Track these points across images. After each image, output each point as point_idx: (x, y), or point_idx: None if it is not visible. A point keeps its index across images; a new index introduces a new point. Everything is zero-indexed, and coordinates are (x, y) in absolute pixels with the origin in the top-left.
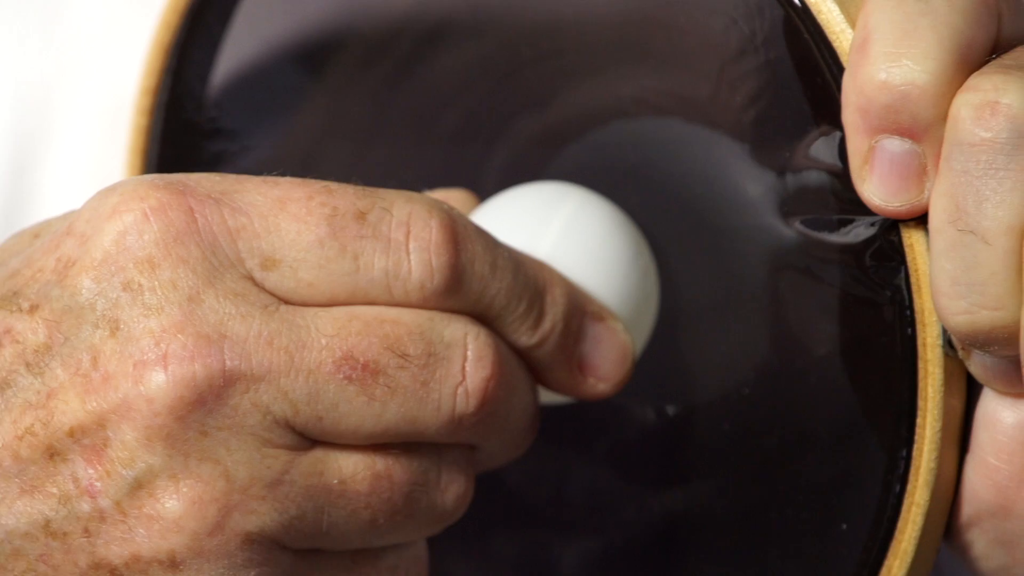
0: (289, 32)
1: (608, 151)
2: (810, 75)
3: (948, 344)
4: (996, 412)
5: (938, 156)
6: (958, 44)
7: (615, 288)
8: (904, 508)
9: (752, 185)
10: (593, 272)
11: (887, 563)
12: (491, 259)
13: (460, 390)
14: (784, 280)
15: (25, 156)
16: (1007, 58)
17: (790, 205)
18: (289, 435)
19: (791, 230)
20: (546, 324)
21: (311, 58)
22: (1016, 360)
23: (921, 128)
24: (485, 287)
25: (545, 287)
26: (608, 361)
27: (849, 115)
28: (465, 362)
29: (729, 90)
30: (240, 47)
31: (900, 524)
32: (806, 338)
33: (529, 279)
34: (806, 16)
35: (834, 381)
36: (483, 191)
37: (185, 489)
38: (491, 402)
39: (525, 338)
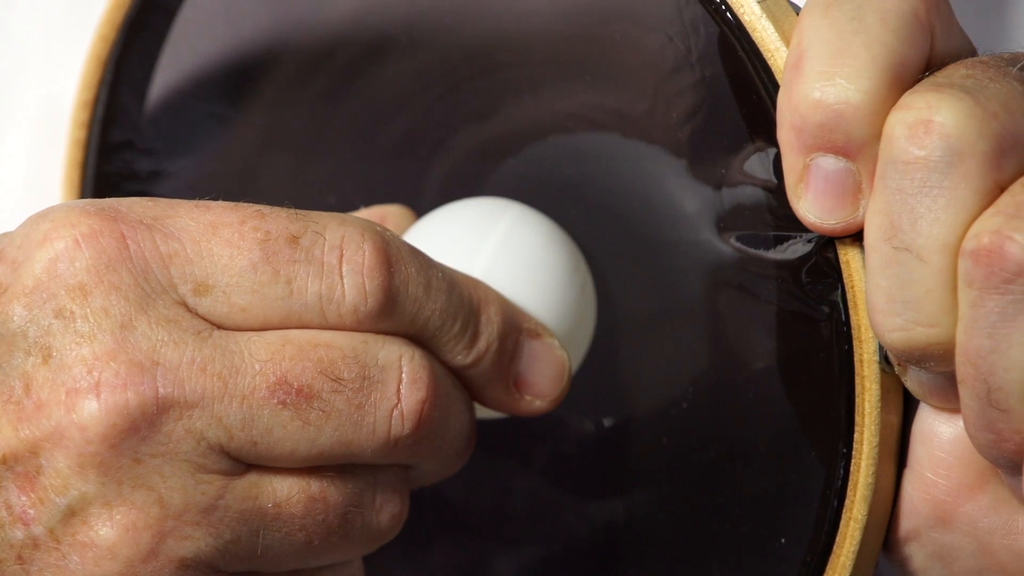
0: (226, 47)
1: (546, 165)
2: (746, 92)
3: (885, 360)
4: (933, 427)
5: (873, 174)
6: (891, 62)
7: (552, 304)
8: (842, 523)
9: (689, 200)
10: (530, 288)
11: None
12: (425, 280)
13: (395, 413)
14: (722, 295)
15: None
16: (940, 75)
17: (727, 221)
18: (223, 460)
19: (728, 245)
20: (481, 343)
21: (248, 73)
22: (952, 376)
23: (855, 146)
24: (419, 308)
25: (480, 306)
26: (544, 378)
27: (784, 133)
28: (400, 384)
29: (665, 106)
30: (178, 61)
31: (839, 539)
32: (744, 353)
33: (464, 299)
34: (741, 34)
35: (772, 396)
36: (422, 205)
37: (119, 516)
38: (426, 424)
39: (460, 358)
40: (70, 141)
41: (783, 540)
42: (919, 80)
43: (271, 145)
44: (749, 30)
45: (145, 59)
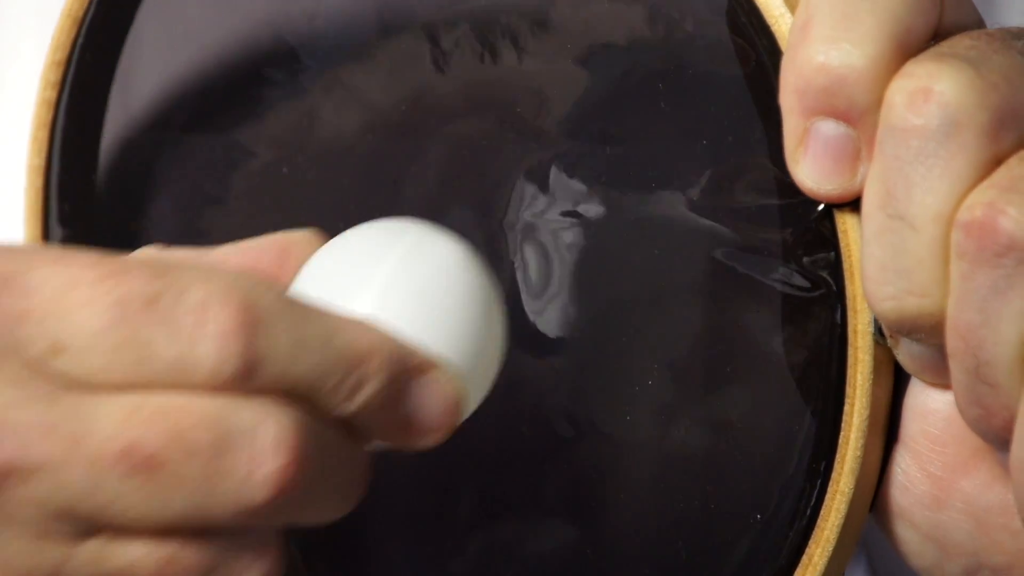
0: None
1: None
2: (744, 61)
3: (878, 332)
4: (926, 403)
5: (873, 141)
6: (897, 30)
7: (449, 329)
8: (828, 495)
9: (676, 171)
10: (426, 315)
11: (808, 550)
12: (296, 338)
13: (252, 480)
14: (712, 265)
15: None
16: (944, 45)
17: (716, 192)
18: (69, 525)
19: (720, 213)
20: (364, 394)
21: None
22: (943, 350)
23: (857, 112)
24: (288, 368)
25: (364, 356)
26: (434, 414)
27: (786, 96)
28: (260, 451)
29: (648, 76)
30: (153, 25)
31: (823, 512)
32: (733, 323)
33: (345, 351)
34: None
35: (761, 366)
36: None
37: None
38: (290, 488)
39: (341, 409)
40: (39, 101)
41: (759, 515)
42: (925, 49)
43: (247, 119)
44: None
45: (120, 20)
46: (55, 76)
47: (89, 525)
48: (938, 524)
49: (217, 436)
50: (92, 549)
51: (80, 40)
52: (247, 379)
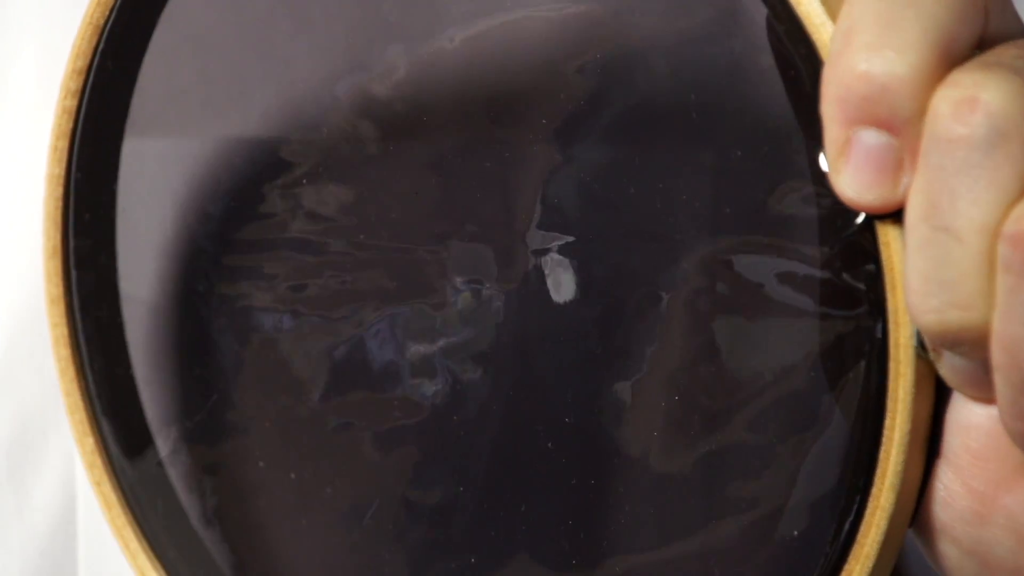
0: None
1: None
2: (783, 69)
3: (920, 345)
4: (969, 417)
5: (915, 151)
6: (942, 38)
7: None
8: (868, 511)
9: (714, 178)
10: None
11: (847, 567)
12: None
13: None
14: (752, 276)
15: None
16: (990, 55)
17: (757, 198)
18: None
19: (760, 224)
20: None
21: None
22: (986, 365)
23: (899, 121)
24: None
25: None
26: None
27: (828, 106)
28: None
29: (678, 83)
30: (173, 32)
31: (863, 528)
32: (771, 336)
33: None
34: (783, 8)
35: (800, 380)
36: None
37: None
38: None
39: None
40: (60, 110)
41: (795, 532)
42: (970, 58)
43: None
44: (794, 4)
45: (141, 30)
46: (76, 84)
47: None
48: (980, 540)
49: None
50: None
51: (101, 47)
52: None
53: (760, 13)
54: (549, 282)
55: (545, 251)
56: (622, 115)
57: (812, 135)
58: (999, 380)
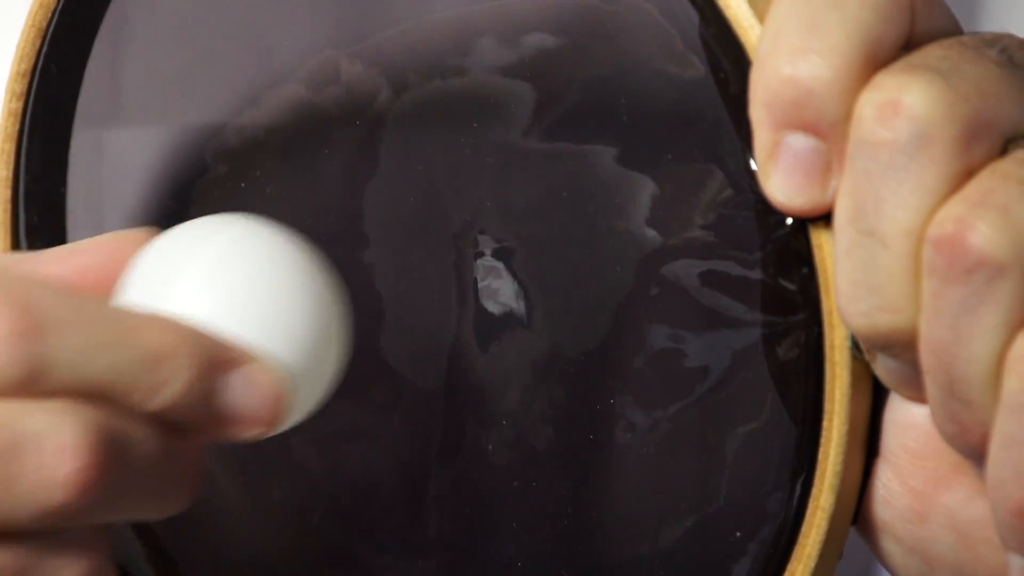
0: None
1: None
2: (714, 71)
3: (855, 347)
4: (905, 417)
5: (843, 154)
6: (867, 40)
7: (272, 324)
8: (808, 512)
9: (639, 187)
10: (243, 310)
11: (790, 567)
12: (86, 339)
13: (48, 482)
14: (686, 274)
15: None
16: (915, 56)
17: (692, 200)
18: None
19: (695, 226)
20: (169, 390)
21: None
22: (919, 365)
23: (826, 125)
24: (80, 370)
25: (166, 353)
26: (254, 406)
27: (755, 109)
28: (55, 452)
29: (603, 90)
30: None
31: (804, 528)
32: (708, 338)
33: (142, 349)
34: (712, 11)
35: (736, 382)
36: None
37: None
38: (92, 489)
39: (148, 406)
40: (6, 113)
41: (738, 533)
42: (896, 59)
43: (214, 128)
44: (722, 6)
45: (84, 30)
46: (20, 87)
47: None
48: (921, 538)
49: (7, 440)
50: None
51: (44, 50)
52: (33, 384)
53: (690, 17)
54: (482, 288)
55: (480, 255)
56: (553, 120)
57: (744, 137)
58: (928, 382)
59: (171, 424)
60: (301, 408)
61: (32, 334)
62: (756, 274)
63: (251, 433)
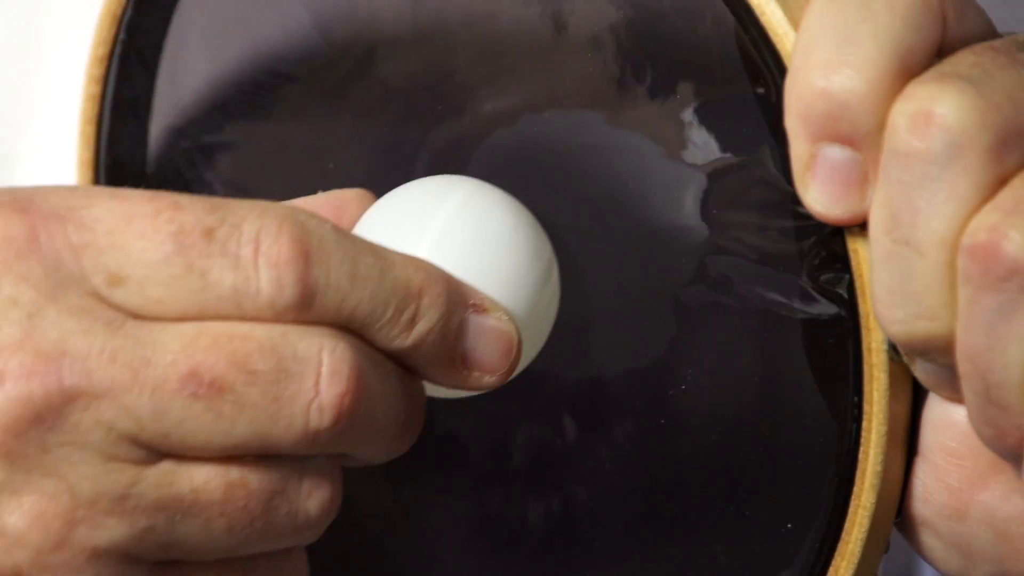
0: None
1: (527, 149)
2: (752, 77)
3: (893, 349)
4: (944, 416)
5: (879, 164)
6: (899, 50)
7: (504, 277)
8: (851, 510)
9: (685, 185)
10: (479, 263)
11: (834, 564)
12: (350, 269)
13: (313, 406)
14: (726, 279)
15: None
16: (947, 64)
17: (728, 206)
18: (135, 449)
19: (732, 228)
20: (421, 327)
21: (259, 43)
22: (956, 369)
23: (861, 136)
24: (344, 298)
25: (420, 289)
26: (492, 353)
27: (790, 121)
28: (319, 378)
29: (657, 87)
30: (190, 19)
31: (847, 526)
32: (748, 338)
33: (399, 284)
34: (749, 17)
35: (778, 382)
36: None
37: (27, 505)
38: (348, 416)
39: (398, 343)
40: (85, 96)
41: (789, 525)
42: (928, 67)
43: (276, 116)
44: (758, 13)
45: (159, 17)
46: (98, 71)
47: (155, 450)
48: (960, 534)
49: (278, 363)
50: (159, 474)
51: (121, 35)
52: (305, 308)
53: (728, 22)
54: None
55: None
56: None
57: (782, 141)
58: (965, 387)
59: (411, 366)
60: (521, 365)
61: (308, 259)
62: (796, 277)
63: (483, 383)
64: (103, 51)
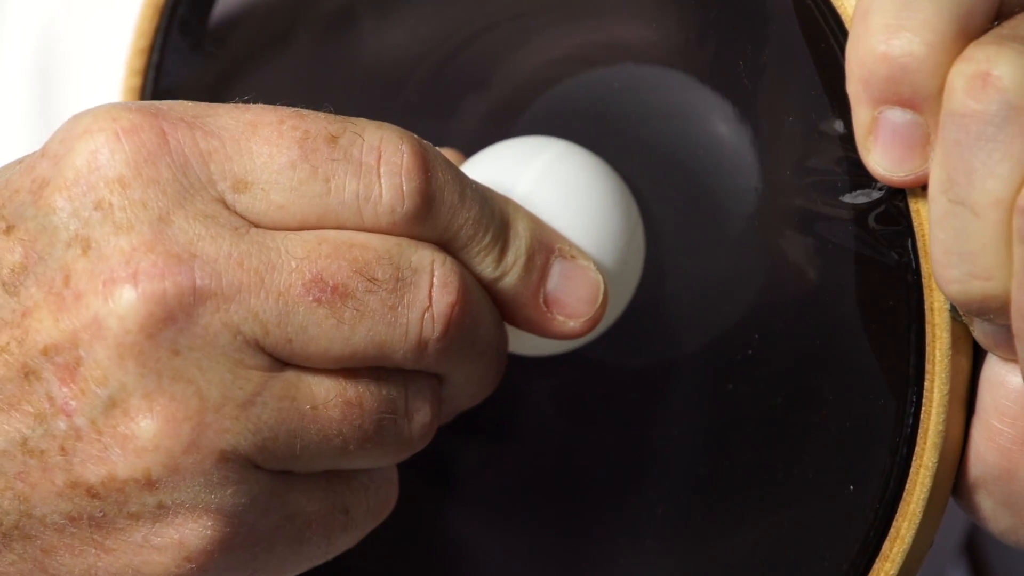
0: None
1: (594, 107)
2: (815, 40)
3: (954, 309)
4: (1000, 376)
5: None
6: (957, 13)
7: (592, 233)
8: (912, 470)
9: (754, 145)
10: (568, 216)
11: (896, 524)
12: (459, 189)
13: (427, 315)
14: (789, 241)
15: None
16: (1005, 27)
17: (794, 166)
18: (260, 356)
19: (796, 192)
20: (509, 256)
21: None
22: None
23: (921, 99)
24: (453, 215)
25: (510, 221)
26: (576, 298)
27: (852, 86)
28: (432, 288)
29: (730, 50)
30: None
31: (908, 486)
32: (812, 300)
33: (495, 212)
34: None
35: (841, 344)
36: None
37: (159, 408)
38: (456, 327)
39: (489, 269)
40: (124, 89)
41: (851, 487)
42: (988, 30)
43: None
44: None
45: (199, 7)
46: (139, 63)
47: (278, 359)
48: (1011, 493)
49: (395, 271)
50: (283, 384)
51: (163, 25)
52: (422, 218)
53: None
54: None
55: None
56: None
57: (845, 105)
58: (1020, 346)
59: (499, 301)
60: (606, 320)
61: (428, 171)
62: (858, 237)
63: (567, 328)
64: (144, 43)
